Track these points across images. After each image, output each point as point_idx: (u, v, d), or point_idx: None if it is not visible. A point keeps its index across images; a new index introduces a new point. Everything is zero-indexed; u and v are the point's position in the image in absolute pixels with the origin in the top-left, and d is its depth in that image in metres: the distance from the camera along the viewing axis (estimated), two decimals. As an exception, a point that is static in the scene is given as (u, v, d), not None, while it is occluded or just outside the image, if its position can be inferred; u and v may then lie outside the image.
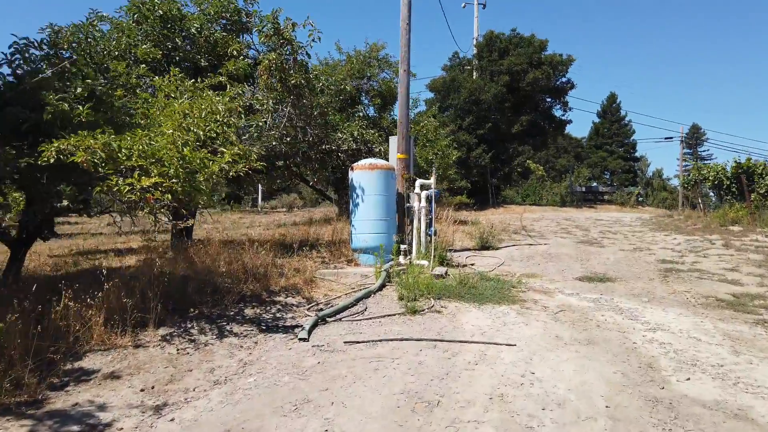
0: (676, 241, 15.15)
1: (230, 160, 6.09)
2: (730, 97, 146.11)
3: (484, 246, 13.04)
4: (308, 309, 6.99)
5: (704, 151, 76.77)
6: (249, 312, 6.83)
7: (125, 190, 5.24)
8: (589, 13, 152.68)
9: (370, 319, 6.53)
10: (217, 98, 6.96)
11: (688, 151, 71.88)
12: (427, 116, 20.48)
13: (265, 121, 9.57)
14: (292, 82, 9.48)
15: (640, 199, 42.90)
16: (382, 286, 8.05)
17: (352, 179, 10.41)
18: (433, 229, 10.51)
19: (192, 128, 6.11)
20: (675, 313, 7.18)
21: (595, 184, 58.03)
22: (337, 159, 12.52)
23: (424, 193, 10.51)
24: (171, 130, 5.57)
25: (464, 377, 4.69)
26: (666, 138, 60.83)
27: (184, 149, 5.70)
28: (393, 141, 11.70)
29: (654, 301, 7.91)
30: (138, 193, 5.42)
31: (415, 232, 10.48)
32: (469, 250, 12.89)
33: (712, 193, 32.80)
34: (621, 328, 6.34)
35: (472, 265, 10.90)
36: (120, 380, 4.70)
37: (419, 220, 10.48)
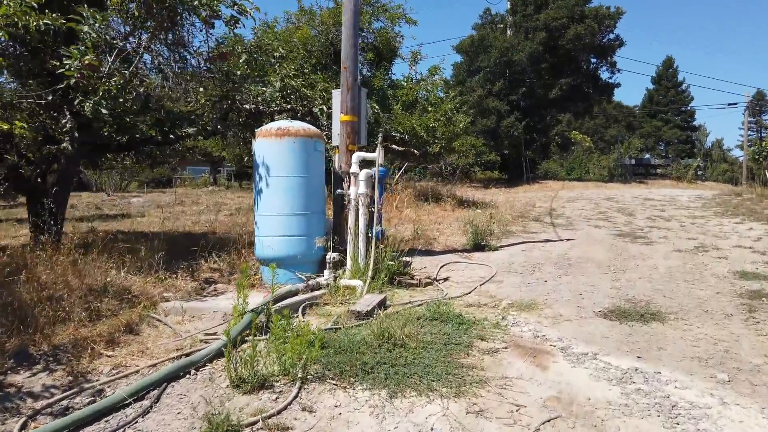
0: (753, 234, 11.03)
1: None
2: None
3: (478, 244, 9.30)
4: (37, 412, 3.52)
5: (768, 119, 69.57)
6: None
7: None
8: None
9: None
10: None
11: (752, 119, 65.13)
12: (431, 74, 16.63)
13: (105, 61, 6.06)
14: (139, -4, 5.93)
15: (699, 172, 37.78)
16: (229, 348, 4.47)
17: (254, 152, 6.86)
18: (378, 228, 6.86)
19: None
20: (791, 425, 3.41)
21: (647, 156, 52.75)
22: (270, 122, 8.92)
23: (363, 173, 6.86)
24: None
25: None
26: (729, 104, 54.82)
27: None
28: (336, 96, 8.03)
29: (739, 380, 4.12)
30: None
31: (349, 233, 6.86)
32: (455, 251, 9.17)
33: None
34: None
35: (445, 280, 7.23)
36: None
37: (356, 214, 6.85)
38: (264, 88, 8.44)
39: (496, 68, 31.17)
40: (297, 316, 5.33)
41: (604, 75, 34.41)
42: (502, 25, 33.56)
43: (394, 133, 15.60)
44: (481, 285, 6.95)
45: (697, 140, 67.57)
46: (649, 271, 7.75)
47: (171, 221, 14.02)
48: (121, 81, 6.15)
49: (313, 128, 6.91)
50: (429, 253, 8.90)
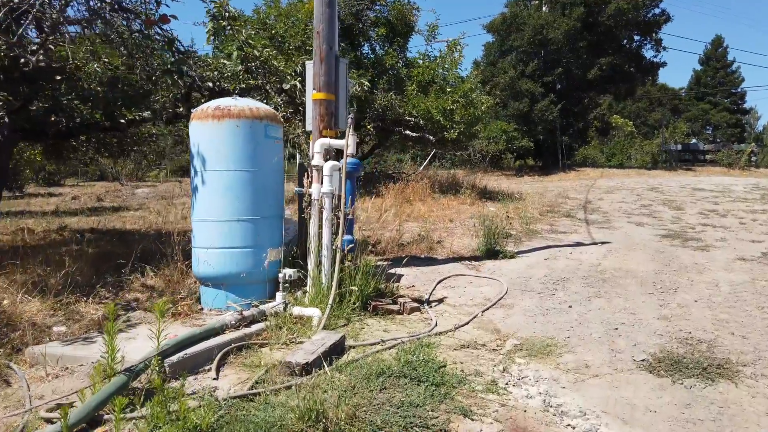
0: (834, 236, 9.08)
1: None
2: None
3: (491, 250, 7.63)
4: None
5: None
6: None
7: None
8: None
9: None
10: None
11: (808, 100, 60.84)
12: (450, 50, 14.84)
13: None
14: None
15: (754, 158, 34.88)
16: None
17: (190, 139, 5.36)
18: (347, 238, 5.27)
19: None
20: None
21: (694, 140, 49.70)
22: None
23: (328, 166, 5.28)
24: None
25: None
26: (785, 84, 51.20)
27: None
28: (309, 69, 6.46)
29: None
30: None
31: (311, 244, 5.30)
32: (461, 258, 7.52)
33: None
34: None
35: (438, 303, 5.63)
36: None
37: (319, 219, 5.29)
38: (225, 61, 6.93)
39: (529, 47, 29.09)
40: (210, 369, 3.81)
41: (649, 54, 31.83)
42: (536, 2, 31.33)
43: (407, 117, 13.96)
44: (483, 311, 5.32)
45: (748, 124, 63.80)
46: (708, 291, 5.98)
47: (159, 216, 12.73)
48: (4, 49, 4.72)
49: (264, 108, 5.35)
50: (429, 261, 7.30)
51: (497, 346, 4.48)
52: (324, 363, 3.77)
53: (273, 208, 5.31)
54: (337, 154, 5.83)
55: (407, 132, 14.17)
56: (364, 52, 15.93)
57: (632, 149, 35.81)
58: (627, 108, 52.54)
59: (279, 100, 6.94)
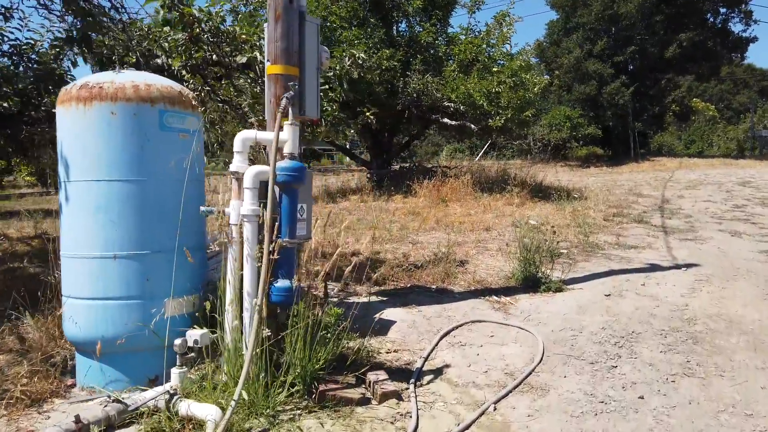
0: None
1: None
2: None
3: (531, 278, 5.58)
4: None
5: None
6: None
7: None
8: None
9: None
10: None
11: None
12: (497, 23, 12.62)
13: None
14: None
15: None
16: None
17: (58, 131, 3.64)
18: (284, 285, 3.39)
19: None
20: None
21: (785, 125, 44.85)
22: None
23: (250, 174, 3.41)
24: None
25: None
26: None
27: None
28: (266, 33, 4.61)
29: None
30: None
31: (227, 294, 3.46)
32: (487, 291, 5.50)
33: None
34: None
35: (432, 379, 3.68)
36: None
37: (240, 255, 3.44)
38: (167, 29, 5.21)
39: (598, 24, 26.33)
40: None
41: (736, 28, 28.36)
42: (606, -27, 28.37)
43: (446, 103, 11.96)
44: (497, 401, 3.36)
45: None
46: None
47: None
48: None
49: (160, 85, 3.56)
50: (440, 296, 5.35)
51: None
52: None
53: (173, 237, 3.51)
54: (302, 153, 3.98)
55: (445, 120, 12.19)
56: (400, 30, 14.00)
57: (714, 136, 32.31)
58: (708, 90, 48.13)
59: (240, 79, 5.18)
